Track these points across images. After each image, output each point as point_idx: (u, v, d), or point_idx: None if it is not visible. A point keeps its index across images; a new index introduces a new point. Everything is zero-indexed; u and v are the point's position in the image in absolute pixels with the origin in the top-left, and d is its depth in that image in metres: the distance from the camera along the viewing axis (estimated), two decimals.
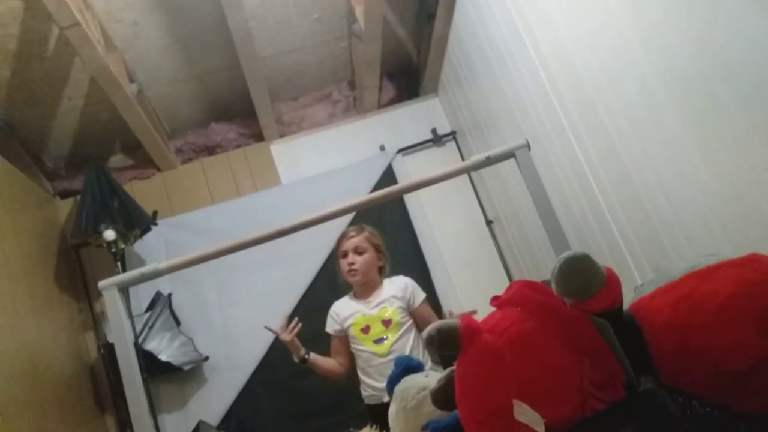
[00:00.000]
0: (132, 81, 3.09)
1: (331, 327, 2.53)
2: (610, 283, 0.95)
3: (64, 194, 3.47)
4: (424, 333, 1.04)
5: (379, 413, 2.24)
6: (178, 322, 3.21)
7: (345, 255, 2.50)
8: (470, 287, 3.31)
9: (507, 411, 0.92)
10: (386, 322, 2.41)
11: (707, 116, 1.60)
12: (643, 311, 0.98)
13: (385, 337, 2.38)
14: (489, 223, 3.51)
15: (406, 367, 1.31)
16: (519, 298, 1.01)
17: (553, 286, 0.97)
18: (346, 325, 2.47)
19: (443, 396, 1.09)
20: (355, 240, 2.49)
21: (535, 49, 2.42)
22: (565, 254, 0.95)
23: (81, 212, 3.07)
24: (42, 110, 3.14)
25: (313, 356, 2.46)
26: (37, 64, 2.84)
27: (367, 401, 2.43)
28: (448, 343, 1.01)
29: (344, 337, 2.49)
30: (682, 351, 0.93)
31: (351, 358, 2.49)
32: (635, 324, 0.97)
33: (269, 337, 3.23)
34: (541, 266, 2.96)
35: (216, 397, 3.16)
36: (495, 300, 1.06)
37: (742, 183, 1.54)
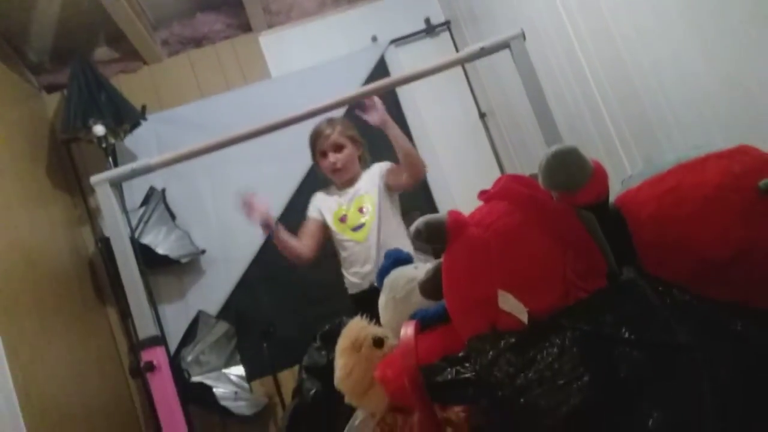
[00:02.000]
0: None
1: (310, 212, 2.55)
2: (597, 176, 0.95)
3: (51, 88, 3.39)
4: (412, 226, 1.06)
5: (361, 301, 2.31)
6: (173, 216, 3.24)
7: (324, 154, 2.48)
8: (462, 180, 3.32)
9: (492, 300, 0.95)
10: (362, 210, 2.43)
11: (708, 7, 1.55)
12: (629, 203, 0.99)
13: (362, 223, 2.40)
14: (482, 116, 3.47)
15: (396, 259, 1.34)
16: (506, 192, 1.02)
17: (540, 179, 0.97)
18: (325, 215, 2.50)
19: (431, 286, 1.12)
20: (333, 137, 2.46)
21: None
22: (552, 147, 0.95)
23: (69, 107, 3.01)
24: (20, 2, 3.00)
25: (281, 230, 2.44)
26: None
27: (350, 291, 2.47)
28: (436, 236, 1.03)
29: (320, 223, 2.51)
30: (665, 242, 0.94)
31: (318, 243, 2.50)
32: (620, 216, 0.99)
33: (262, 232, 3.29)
34: (533, 159, 2.95)
35: (214, 288, 3.24)
36: (483, 194, 1.06)
37: (735, 69, 1.51)
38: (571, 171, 0.94)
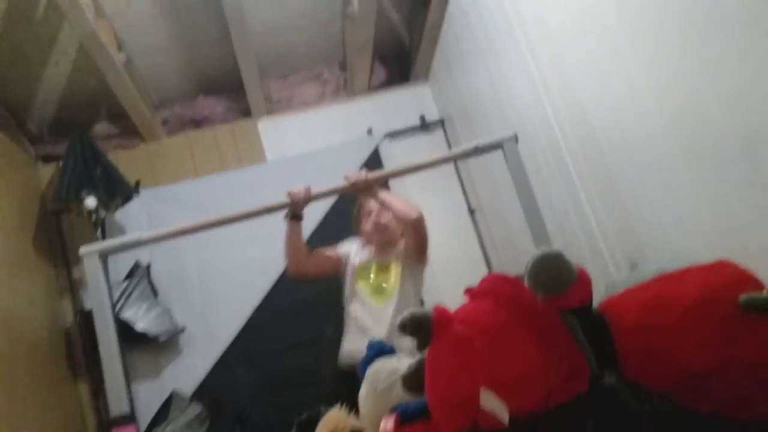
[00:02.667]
0: (121, 49, 3.06)
1: (340, 244, 2.57)
2: (581, 281, 0.98)
3: (47, 159, 3.44)
4: (398, 320, 1.06)
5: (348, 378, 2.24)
6: (155, 293, 3.21)
7: (370, 213, 2.49)
8: (450, 275, 3.33)
9: (473, 399, 0.95)
10: (388, 275, 2.42)
11: (690, 117, 1.62)
12: (612, 309, 1.01)
13: (384, 287, 2.39)
14: (471, 211, 3.54)
15: (379, 350, 1.33)
16: (492, 290, 1.03)
17: (526, 280, 0.99)
18: (352, 258, 2.50)
19: (413, 381, 1.11)
20: None
21: (527, 42, 2.43)
22: (539, 250, 0.98)
23: (63, 178, 3.05)
24: (28, 73, 3.10)
25: (300, 225, 2.43)
26: (24, 26, 2.80)
27: (341, 361, 2.39)
28: (420, 331, 1.04)
29: (338, 259, 2.52)
30: (647, 350, 0.96)
31: (318, 266, 2.51)
32: (603, 321, 1.00)
33: (247, 311, 3.26)
34: (520, 257, 2.99)
35: (190, 368, 3.17)
36: (469, 291, 1.08)
37: (725, 191, 1.56)
38: (556, 274, 0.97)
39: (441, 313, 1.02)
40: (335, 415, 1.26)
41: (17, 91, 3.18)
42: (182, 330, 3.19)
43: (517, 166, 2.29)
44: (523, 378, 0.93)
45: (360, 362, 1.33)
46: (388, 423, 1.08)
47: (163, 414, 3.03)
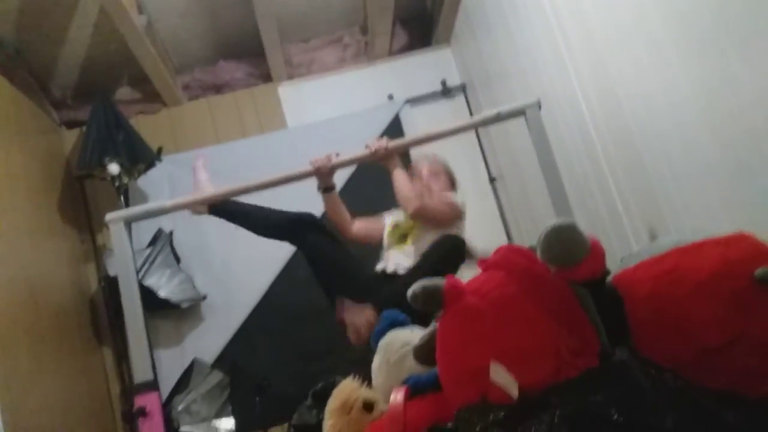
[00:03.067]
0: (141, 12, 3.04)
1: (385, 215, 2.59)
2: (594, 253, 0.96)
3: (71, 124, 3.47)
4: (409, 291, 1.06)
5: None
6: (178, 260, 3.25)
7: (420, 175, 2.54)
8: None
9: (483, 371, 0.94)
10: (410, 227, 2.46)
11: (717, 85, 1.57)
12: (625, 282, 0.99)
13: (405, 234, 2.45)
14: (492, 180, 3.50)
15: (392, 321, 1.33)
16: (504, 262, 1.02)
17: (539, 252, 0.98)
18: (386, 223, 2.54)
19: (425, 352, 1.11)
20: (436, 164, 2.60)
21: (553, 6, 2.36)
22: (552, 222, 0.96)
23: (86, 144, 3.07)
24: (50, 38, 3.10)
25: (335, 195, 2.46)
26: None
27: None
28: (432, 302, 1.03)
29: (381, 227, 2.55)
30: (660, 324, 0.94)
31: (367, 232, 2.54)
32: (617, 294, 0.99)
33: (267, 280, 3.28)
34: (540, 227, 2.91)
35: (212, 336, 3.21)
36: (482, 263, 1.07)
37: (745, 155, 1.52)
38: (568, 246, 0.95)
39: (453, 285, 1.01)
40: (348, 385, 1.27)
41: (40, 56, 3.20)
42: (204, 298, 3.23)
43: (540, 134, 2.24)
44: (533, 352, 0.92)
45: (373, 333, 1.33)
46: (398, 395, 1.08)
47: (184, 381, 3.09)
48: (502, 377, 0.91)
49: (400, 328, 1.31)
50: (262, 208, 2.47)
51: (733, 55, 1.49)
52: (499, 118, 2.30)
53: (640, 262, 1.00)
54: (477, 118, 2.37)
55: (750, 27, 1.42)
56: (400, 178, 2.36)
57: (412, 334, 1.24)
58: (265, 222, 2.47)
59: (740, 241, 0.95)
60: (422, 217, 2.36)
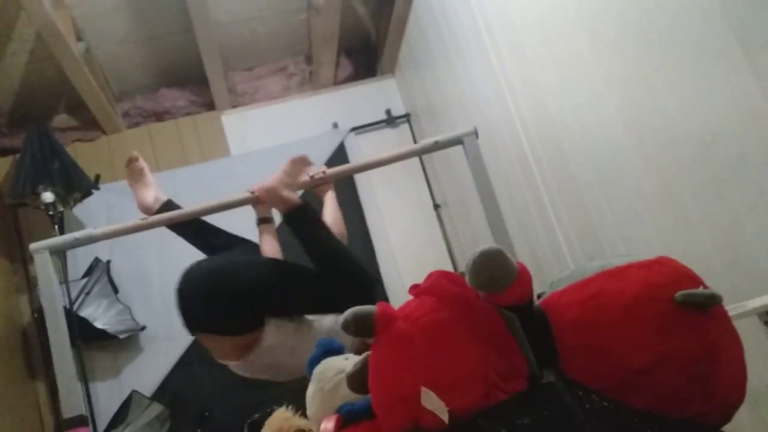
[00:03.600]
0: (80, 39, 3.00)
1: None
2: (521, 278, 0.97)
3: (4, 152, 3.37)
4: (341, 318, 1.05)
5: None
6: (116, 290, 3.16)
7: None
8: (414, 269, 3.34)
9: (414, 397, 0.94)
10: None
11: (647, 115, 1.64)
12: (552, 306, 1.01)
13: None
14: (437, 207, 3.54)
15: (327, 349, 1.32)
16: (435, 288, 1.02)
17: (467, 278, 0.98)
18: None
19: (358, 380, 1.10)
20: None
21: (491, 38, 2.43)
22: (480, 248, 0.97)
23: (19, 172, 2.99)
24: None
25: (272, 227, 2.18)
26: None
27: None
28: (363, 328, 1.02)
29: None
30: (586, 347, 0.95)
31: None
32: (545, 318, 1.00)
33: None
34: None
35: (151, 368, 3.13)
36: (413, 288, 1.07)
37: (680, 190, 1.58)
38: (496, 272, 0.96)
39: (384, 310, 1.01)
40: (281, 415, 1.24)
41: None
42: (143, 328, 3.15)
43: (477, 161, 2.27)
44: (462, 377, 0.92)
45: (307, 362, 1.32)
46: (328, 424, 1.06)
47: (122, 414, 2.99)
48: (433, 402, 0.91)
49: (335, 356, 1.30)
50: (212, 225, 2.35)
51: (660, 86, 1.56)
52: (437, 146, 2.33)
53: (567, 285, 1.02)
54: (417, 146, 2.40)
55: (675, 57, 1.49)
56: (331, 202, 2.37)
57: (346, 362, 1.23)
58: (215, 235, 2.34)
59: (662, 265, 0.98)
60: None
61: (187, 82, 3.53)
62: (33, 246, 2.11)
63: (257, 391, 3.05)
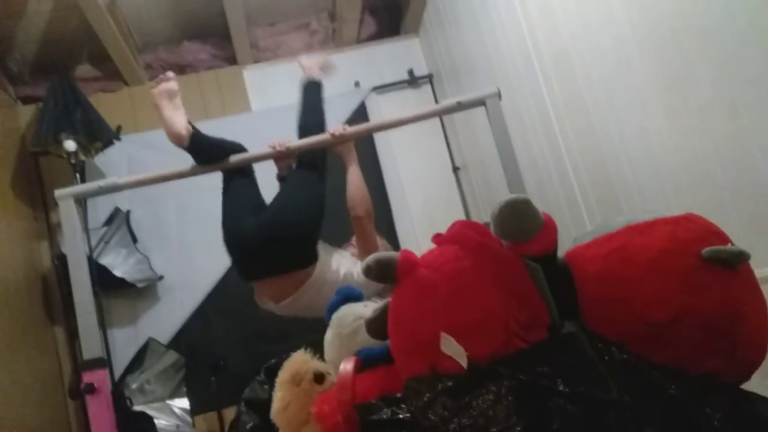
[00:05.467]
0: None
1: None
2: (546, 228, 0.97)
3: (27, 100, 3.37)
4: (363, 263, 1.06)
5: None
6: (134, 240, 3.20)
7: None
8: (430, 230, 3.30)
9: (434, 343, 0.95)
10: None
11: (677, 82, 1.61)
12: (577, 259, 1.01)
13: None
14: (456, 169, 3.52)
15: (347, 296, 1.33)
16: (458, 237, 1.03)
17: (492, 227, 0.99)
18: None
19: (377, 325, 1.11)
20: None
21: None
22: (506, 197, 0.97)
23: (42, 120, 3.00)
24: (9, 11, 3.00)
25: None
26: None
27: None
28: (385, 274, 1.03)
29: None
30: (608, 300, 0.96)
31: None
32: (568, 271, 1.00)
33: (225, 262, 3.23)
34: None
35: (167, 317, 3.18)
36: (436, 237, 1.07)
37: (700, 147, 1.56)
38: (521, 221, 0.96)
39: (406, 257, 1.02)
40: (299, 357, 1.26)
41: None
42: (160, 278, 3.19)
43: (499, 123, 2.26)
44: (482, 323, 0.93)
45: (326, 310, 1.33)
46: (347, 365, 1.08)
47: (138, 360, 3.05)
48: (452, 348, 0.92)
49: (353, 302, 1.31)
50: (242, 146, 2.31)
51: (694, 53, 1.53)
52: (459, 107, 2.31)
53: (592, 239, 1.02)
54: (438, 106, 2.38)
55: (707, 22, 1.45)
56: (356, 174, 2.35)
57: (365, 309, 1.25)
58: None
59: (690, 221, 0.97)
60: (362, 228, 2.29)
61: (209, 35, 3.50)
62: (58, 193, 2.13)
63: (270, 344, 3.11)
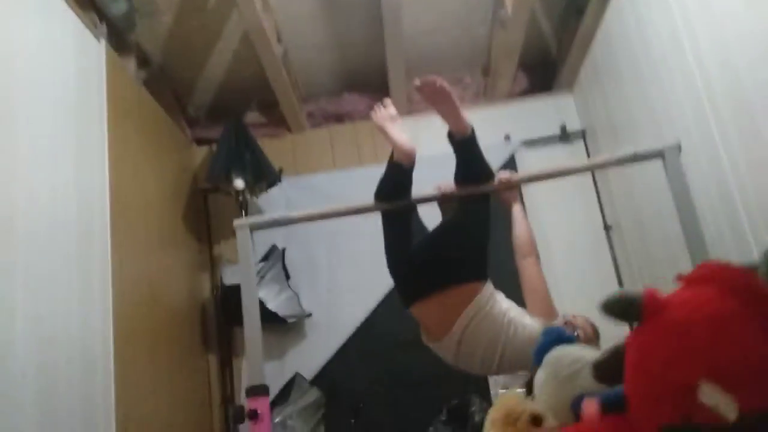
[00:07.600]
0: (280, 42, 3.20)
1: None
2: None
3: (200, 141, 3.65)
4: (602, 300, 1.03)
5: None
6: (288, 276, 3.33)
7: None
8: (577, 291, 3.22)
9: (690, 390, 0.90)
10: None
11: None
12: None
13: None
14: (607, 228, 3.42)
15: (558, 337, 1.31)
16: (715, 277, 0.99)
17: (760, 271, 0.94)
18: None
19: (606, 369, 1.08)
20: None
21: (695, 54, 2.33)
22: None
23: (217, 159, 3.23)
24: (193, 60, 3.31)
25: None
26: (196, 15, 2.99)
27: None
28: (629, 313, 1.01)
29: None
30: None
31: None
32: None
33: (371, 304, 3.31)
34: (658, 278, 2.86)
35: (312, 354, 3.27)
36: (683, 278, 1.04)
37: None
38: None
39: (654, 295, 0.99)
40: (512, 397, 1.24)
41: (182, 76, 3.40)
42: (309, 315, 3.28)
43: (678, 177, 2.19)
44: (754, 373, 0.88)
45: (536, 348, 1.31)
46: (591, 406, 1.05)
47: (284, 394, 3.13)
48: (716, 398, 0.87)
49: (567, 344, 1.29)
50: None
51: None
52: (635, 158, 2.27)
53: None
54: (612, 156, 2.32)
55: None
56: (522, 215, 2.35)
57: (583, 351, 1.22)
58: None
59: None
60: (531, 272, 2.22)
61: (368, 87, 3.68)
62: (237, 222, 2.27)
63: (411, 390, 3.10)
